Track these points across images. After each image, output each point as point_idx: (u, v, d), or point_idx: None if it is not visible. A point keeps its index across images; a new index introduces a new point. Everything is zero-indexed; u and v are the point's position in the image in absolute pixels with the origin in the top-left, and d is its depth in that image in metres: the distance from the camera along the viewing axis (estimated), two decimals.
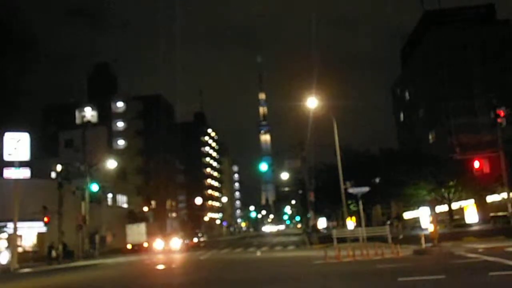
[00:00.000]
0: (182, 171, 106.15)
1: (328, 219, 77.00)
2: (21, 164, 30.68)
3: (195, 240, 61.99)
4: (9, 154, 30.39)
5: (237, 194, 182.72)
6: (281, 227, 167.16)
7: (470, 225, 47.24)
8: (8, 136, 30.70)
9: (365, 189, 30.06)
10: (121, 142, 78.42)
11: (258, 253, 30.02)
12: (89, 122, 44.97)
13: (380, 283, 12.47)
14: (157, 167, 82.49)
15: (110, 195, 60.69)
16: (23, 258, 34.84)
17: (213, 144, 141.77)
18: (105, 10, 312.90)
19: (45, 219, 35.44)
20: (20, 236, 38.89)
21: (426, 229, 31.62)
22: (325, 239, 34.95)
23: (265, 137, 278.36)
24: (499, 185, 34.87)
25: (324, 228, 66.51)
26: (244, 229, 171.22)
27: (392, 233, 29.50)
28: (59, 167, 41.75)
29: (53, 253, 34.95)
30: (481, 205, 49.37)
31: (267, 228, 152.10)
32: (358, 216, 39.19)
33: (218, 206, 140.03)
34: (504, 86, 53.53)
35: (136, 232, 48.75)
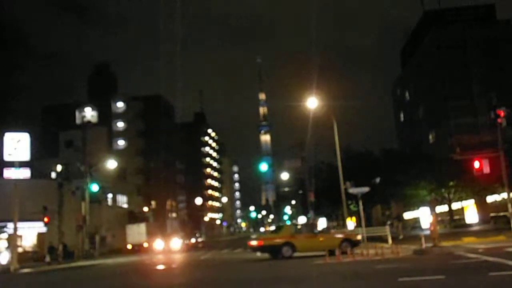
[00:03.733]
0: (182, 171, 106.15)
1: (328, 219, 76.96)
2: (21, 164, 30.66)
3: (193, 240, 62.04)
4: (9, 154, 30.36)
5: (237, 194, 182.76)
6: None
7: (470, 225, 47.30)
8: (8, 136, 30.67)
9: (365, 189, 30.02)
10: (121, 142, 78.40)
11: (258, 253, 30.00)
12: (89, 122, 44.93)
13: (380, 283, 12.46)
14: (157, 167, 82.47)
15: (110, 195, 60.68)
16: (23, 258, 34.84)
17: (213, 144, 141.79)
18: (104, 9, 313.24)
19: (45, 219, 35.43)
20: (20, 236, 38.87)
21: (426, 229, 31.64)
22: None
23: (265, 137, 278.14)
24: (499, 185, 34.89)
25: (324, 228, 66.46)
26: (244, 229, 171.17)
27: (392, 233, 29.51)
28: (59, 167, 41.76)
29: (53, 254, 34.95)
30: (481, 205, 49.44)
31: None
32: (358, 216, 39.17)
33: (218, 206, 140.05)
34: (504, 86, 53.53)
35: (136, 232, 48.78)
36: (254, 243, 24.12)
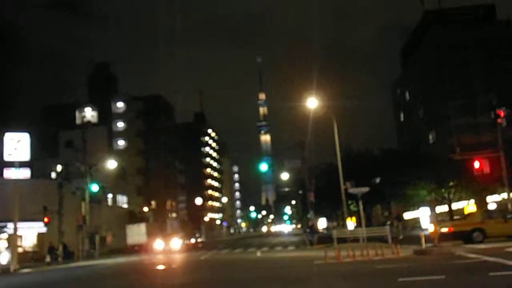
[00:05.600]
0: (182, 171, 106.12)
1: (329, 220, 76.94)
2: (21, 164, 30.67)
3: (193, 240, 62.16)
4: (9, 154, 30.37)
5: (237, 194, 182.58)
6: (290, 228, 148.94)
7: None
8: (8, 136, 30.68)
9: (365, 189, 30.03)
10: (121, 143, 78.41)
11: (258, 254, 30.03)
12: (89, 122, 44.93)
13: (380, 284, 12.46)
14: (157, 167, 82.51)
15: (110, 195, 60.68)
16: (23, 258, 34.84)
17: (213, 144, 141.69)
18: (105, 9, 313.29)
19: (45, 219, 35.42)
20: (20, 236, 38.87)
21: (426, 229, 31.61)
22: (325, 239, 34.96)
23: (265, 137, 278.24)
24: (499, 185, 34.86)
25: (324, 229, 66.48)
26: (244, 229, 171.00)
27: (392, 233, 29.50)
28: (59, 167, 41.75)
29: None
30: (481, 205, 49.33)
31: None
32: (358, 217, 39.16)
33: (218, 207, 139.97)
34: (504, 86, 53.47)
35: (136, 233, 48.77)
36: (444, 230, 24.22)
